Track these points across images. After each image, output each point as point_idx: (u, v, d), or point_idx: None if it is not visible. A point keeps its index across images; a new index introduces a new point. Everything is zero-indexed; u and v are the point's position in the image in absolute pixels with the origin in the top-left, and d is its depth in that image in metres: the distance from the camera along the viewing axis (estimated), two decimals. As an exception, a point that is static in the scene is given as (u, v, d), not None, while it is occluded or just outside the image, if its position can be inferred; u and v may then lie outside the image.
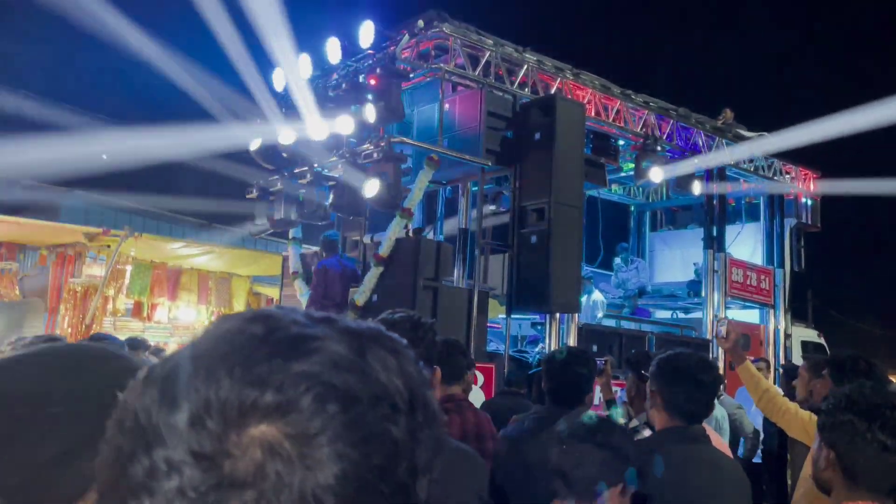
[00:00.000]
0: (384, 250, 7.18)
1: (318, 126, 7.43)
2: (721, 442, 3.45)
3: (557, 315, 7.69)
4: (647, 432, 3.58)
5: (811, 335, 11.52)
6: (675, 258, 11.83)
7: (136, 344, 6.56)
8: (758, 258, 10.92)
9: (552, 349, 7.63)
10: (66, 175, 9.53)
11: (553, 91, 8.10)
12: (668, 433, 2.29)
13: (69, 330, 10.77)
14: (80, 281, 10.99)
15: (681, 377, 2.28)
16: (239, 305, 12.92)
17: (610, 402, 4.05)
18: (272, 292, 12.41)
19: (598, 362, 3.90)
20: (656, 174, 8.91)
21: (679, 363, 2.31)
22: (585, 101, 8.42)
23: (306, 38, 7.77)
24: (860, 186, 10.62)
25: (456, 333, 7.07)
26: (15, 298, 11.57)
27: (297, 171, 8.20)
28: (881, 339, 31.74)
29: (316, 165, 7.90)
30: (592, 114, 8.49)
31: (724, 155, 10.02)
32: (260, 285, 13.03)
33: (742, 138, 10.58)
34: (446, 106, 7.65)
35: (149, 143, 8.88)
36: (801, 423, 3.13)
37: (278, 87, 8.07)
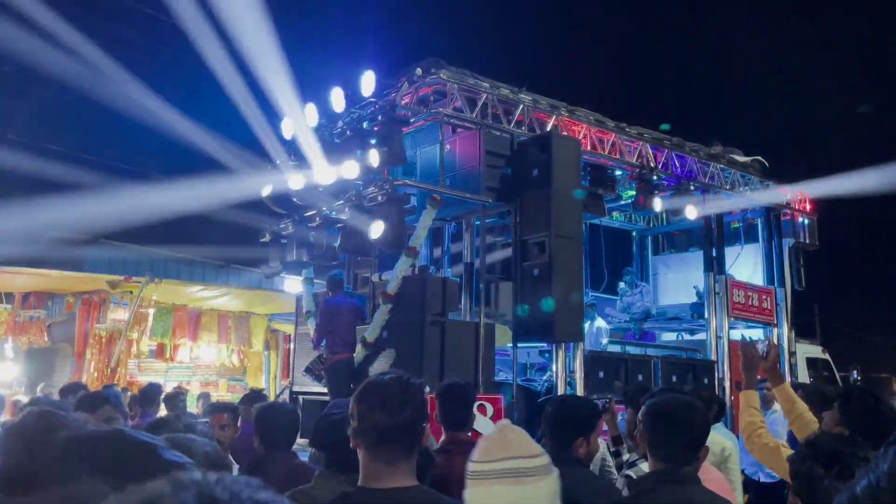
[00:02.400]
0: (392, 288, 7.23)
1: (325, 172, 7.55)
2: (722, 480, 3.41)
3: (563, 343, 7.67)
4: (644, 465, 3.58)
5: (816, 351, 11.40)
6: (678, 281, 11.79)
7: (149, 397, 6.59)
8: (758, 278, 10.86)
9: (557, 378, 7.62)
10: (88, 229, 9.70)
11: (549, 128, 8.18)
12: (655, 476, 2.29)
13: (95, 374, 10.88)
14: (105, 326, 11.13)
15: (663, 421, 2.30)
16: (258, 342, 13.03)
17: (617, 440, 4.03)
18: (289, 329, 12.48)
19: (602, 401, 3.89)
20: (656, 203, 8.95)
21: (661, 408, 2.33)
22: (581, 135, 8.50)
23: (312, 89, 7.93)
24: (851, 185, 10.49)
25: (464, 366, 7.11)
26: (44, 345, 11.72)
27: (306, 214, 8.32)
28: (885, 349, 31.27)
29: (325, 209, 7.99)
30: (588, 147, 8.55)
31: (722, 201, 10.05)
32: (277, 322, 13.12)
33: (735, 163, 10.62)
34: (447, 147, 7.74)
35: (167, 196, 9.04)
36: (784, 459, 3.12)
37: (287, 136, 8.21)
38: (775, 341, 10.32)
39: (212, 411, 4.20)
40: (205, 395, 10.17)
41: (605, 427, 4.12)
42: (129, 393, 8.58)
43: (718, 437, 4.70)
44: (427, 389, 6.22)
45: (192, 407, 9.59)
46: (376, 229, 7.00)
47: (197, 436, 2.86)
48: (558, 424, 2.86)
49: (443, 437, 3.52)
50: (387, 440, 1.90)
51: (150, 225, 10.06)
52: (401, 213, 7.22)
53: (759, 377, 3.49)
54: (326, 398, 7.53)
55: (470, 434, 3.53)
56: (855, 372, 12.32)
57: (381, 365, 7.33)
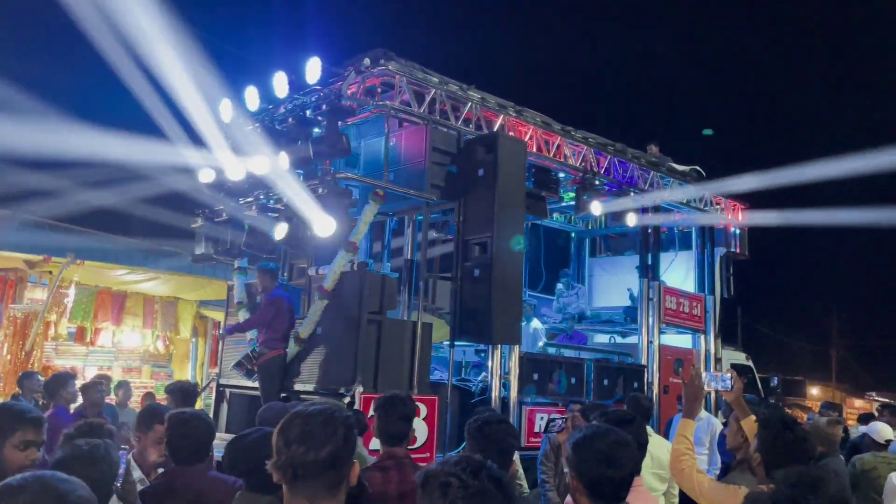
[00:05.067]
0: (329, 283, 7.04)
1: (262, 160, 7.26)
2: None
3: (500, 345, 7.64)
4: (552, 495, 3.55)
5: (740, 358, 11.79)
6: (613, 284, 11.97)
7: (54, 388, 6.18)
8: (690, 285, 11.13)
9: (492, 379, 7.58)
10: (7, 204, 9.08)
11: (496, 128, 8.11)
12: None
13: (8, 357, 10.22)
14: (20, 307, 10.45)
15: (591, 457, 2.22)
16: (185, 329, 12.54)
17: None
18: (219, 316, 12.05)
19: (558, 421, 3.79)
20: (595, 208, 9.00)
21: (593, 445, 2.25)
22: (527, 136, 8.46)
23: (255, 72, 7.62)
24: (784, 218, 10.93)
25: (400, 365, 7.00)
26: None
27: (243, 202, 8.00)
28: (805, 353, 32.91)
29: (262, 197, 7.70)
30: (534, 149, 8.52)
31: (662, 194, 10.21)
32: (207, 309, 12.67)
33: (674, 171, 10.81)
34: (392, 141, 7.57)
35: (94, 176, 8.54)
36: (696, 484, 3.14)
37: (225, 119, 7.85)
38: (707, 348, 10.60)
39: (148, 421, 3.76)
40: (124, 383, 9.69)
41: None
42: (42, 378, 8.06)
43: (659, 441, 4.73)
44: (360, 389, 6.03)
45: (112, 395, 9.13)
46: (322, 226, 6.82)
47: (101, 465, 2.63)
48: (483, 448, 2.80)
49: (381, 452, 3.38)
50: (306, 476, 1.78)
51: (75, 205, 9.53)
52: (343, 207, 7.03)
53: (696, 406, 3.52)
54: (256, 393, 7.30)
55: (407, 449, 3.39)
56: (776, 378, 12.81)
57: (313, 361, 7.14)
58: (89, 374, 10.91)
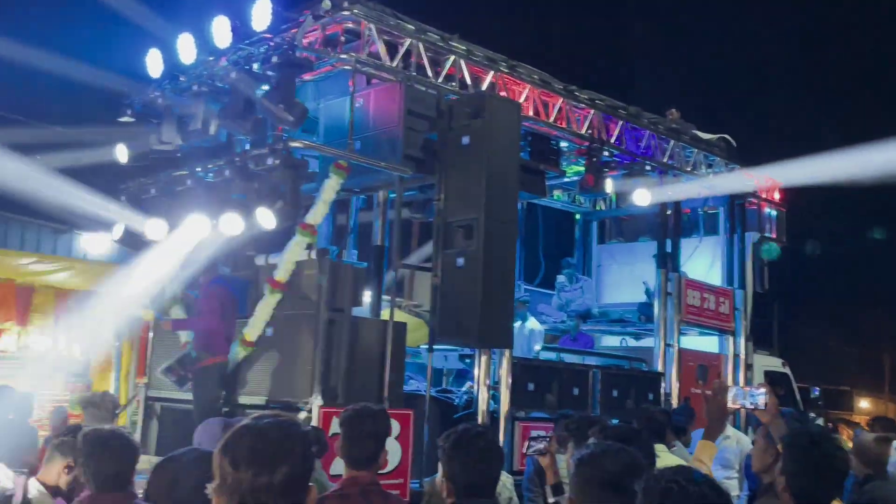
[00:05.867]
0: (281, 274, 7.02)
1: (200, 123, 7.21)
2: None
3: (488, 349, 7.68)
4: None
5: (775, 364, 11.95)
6: (625, 276, 12.07)
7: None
8: (716, 277, 11.24)
9: (479, 390, 7.62)
10: None
11: (485, 87, 8.10)
12: None
13: None
14: None
15: (595, 482, 2.26)
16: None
17: (557, 488, 3.95)
18: (147, 315, 11.96)
19: (539, 442, 3.82)
20: (605, 184, 9.07)
21: (603, 469, 2.28)
22: (522, 98, 8.46)
23: (191, 18, 7.55)
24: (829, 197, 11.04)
25: (368, 374, 7.04)
26: None
27: (175, 174, 7.95)
28: (852, 359, 33.35)
29: (199, 170, 7.67)
30: (530, 113, 8.53)
31: (684, 167, 10.29)
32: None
33: (699, 140, 10.89)
34: (358, 101, 7.54)
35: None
36: None
37: (154, 74, 7.77)
38: (736, 353, 10.72)
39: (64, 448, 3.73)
40: (26, 396, 9.53)
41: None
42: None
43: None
44: (320, 402, 6.06)
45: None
46: (263, 217, 6.85)
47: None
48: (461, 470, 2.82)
49: (344, 476, 3.39)
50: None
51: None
52: (296, 182, 7.01)
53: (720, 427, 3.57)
54: (191, 407, 7.28)
55: (376, 474, 3.41)
56: (817, 389, 13.01)
57: (262, 369, 7.14)
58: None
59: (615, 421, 5.73)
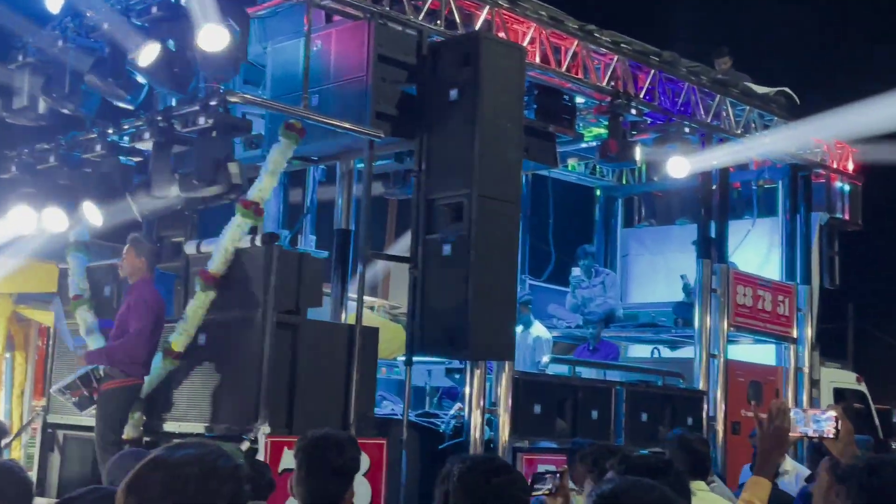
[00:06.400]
0: (217, 266, 7.02)
1: (115, 70, 7.21)
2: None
3: (483, 362, 7.69)
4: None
5: (848, 379, 12.04)
6: (658, 268, 12.10)
7: None
8: (774, 269, 11.30)
9: (471, 413, 7.64)
10: None
11: (478, 26, 8.08)
12: None
13: None
14: None
15: None
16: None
17: None
18: (47, 318, 11.94)
19: (548, 479, 3.82)
20: (633, 151, 9.09)
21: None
22: (527, 40, 8.46)
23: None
24: None
25: (328, 393, 7.10)
26: None
27: (82, 138, 7.92)
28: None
29: (111, 132, 7.65)
30: (537, 60, 8.53)
31: (733, 129, 10.30)
32: (27, 307, 12.54)
33: (752, 95, 10.90)
34: (315, 44, 7.54)
35: None
36: None
37: (53, 9, 7.73)
38: (798, 366, 10.75)
39: None
40: None
41: None
42: None
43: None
44: (266, 430, 6.09)
45: None
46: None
47: None
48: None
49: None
50: None
51: None
52: (229, 147, 7.02)
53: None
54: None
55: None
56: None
57: (193, 388, 7.14)
58: None
59: (643, 452, 5.75)
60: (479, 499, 2.81)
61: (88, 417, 7.42)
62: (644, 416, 8.94)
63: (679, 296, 10.95)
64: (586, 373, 9.68)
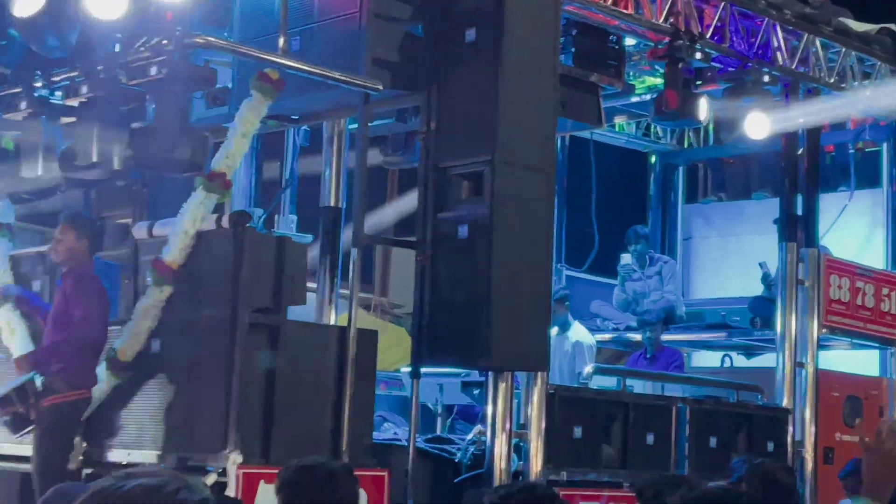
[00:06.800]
0: (174, 254, 7.05)
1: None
2: None
3: (509, 374, 7.72)
4: None
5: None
6: (729, 253, 12.10)
7: None
8: (877, 254, 11.28)
9: (494, 437, 7.65)
10: None
11: (500, -52, 8.08)
12: None
13: None
14: None
15: None
16: None
17: None
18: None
19: None
20: (699, 106, 9.04)
21: None
22: (562, -34, 8.44)
23: None
24: None
25: (314, 414, 7.12)
26: None
27: (4, 94, 7.96)
28: None
29: (39, 85, 7.68)
30: (576, -9, 8.51)
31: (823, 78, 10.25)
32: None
33: (847, 34, 10.81)
34: (296, -27, 7.56)
35: None
36: None
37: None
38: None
39: None
40: None
41: None
42: None
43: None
44: (238, 458, 6.16)
45: None
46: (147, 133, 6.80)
47: None
48: None
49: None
50: None
51: None
52: (184, 103, 7.05)
53: None
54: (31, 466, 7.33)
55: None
56: None
57: (144, 407, 7.17)
58: None
59: (713, 485, 5.76)
60: None
61: (19, 444, 7.47)
62: (713, 441, 8.93)
63: (756, 289, 10.95)
64: (639, 386, 9.66)
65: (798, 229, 10.10)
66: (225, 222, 7.13)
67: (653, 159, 12.76)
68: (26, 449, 7.39)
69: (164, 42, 7.00)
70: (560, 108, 7.96)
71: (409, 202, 9.22)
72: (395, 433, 8.40)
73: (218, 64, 7.70)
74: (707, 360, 11.93)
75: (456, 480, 7.97)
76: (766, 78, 9.77)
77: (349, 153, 8.07)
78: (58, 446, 7.13)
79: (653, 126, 12.14)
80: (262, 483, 6.36)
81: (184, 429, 6.99)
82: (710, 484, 3.74)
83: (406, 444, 7.57)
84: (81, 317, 7.21)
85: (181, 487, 1.94)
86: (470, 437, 8.39)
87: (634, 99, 10.49)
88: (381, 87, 7.42)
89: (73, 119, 7.64)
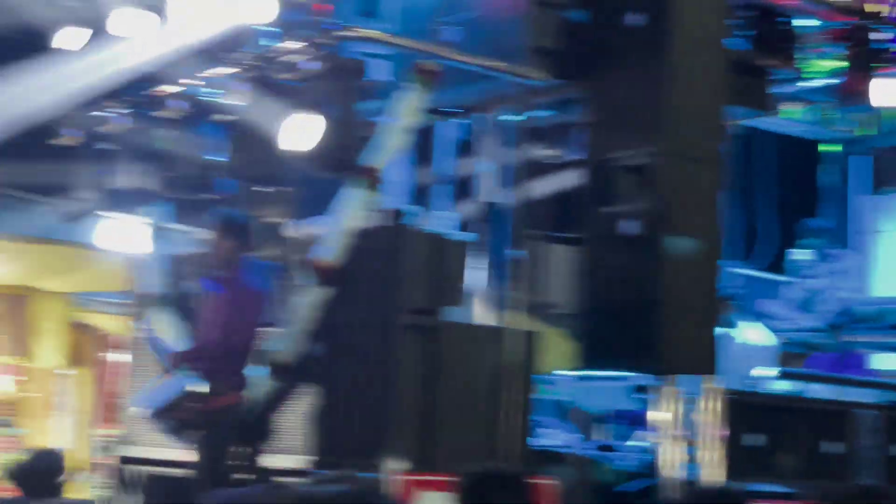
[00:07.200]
0: (332, 254, 7.14)
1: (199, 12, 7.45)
2: None
3: (677, 377, 7.66)
4: None
5: None
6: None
7: None
8: None
9: (665, 445, 7.60)
10: None
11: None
12: None
13: None
14: None
15: None
16: (48, 349, 12.97)
17: None
18: (112, 324, 12.40)
19: None
20: (881, 91, 8.87)
21: None
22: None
23: None
24: None
25: (476, 420, 7.17)
26: None
27: (154, 93, 8.17)
28: None
29: (193, 85, 7.91)
30: (746, -29, 8.43)
31: None
32: (89, 309, 13.06)
33: None
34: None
35: None
36: None
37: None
38: None
39: None
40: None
41: None
42: None
43: None
44: (396, 467, 6.27)
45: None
46: (300, 129, 6.97)
47: None
48: None
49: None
50: None
51: None
52: (349, 97, 7.13)
53: None
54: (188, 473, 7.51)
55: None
56: None
57: (301, 411, 7.31)
58: None
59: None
60: None
61: (173, 448, 7.67)
62: (900, 448, 8.74)
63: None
64: (816, 391, 9.50)
65: None
66: (381, 220, 7.21)
67: (829, 149, 12.51)
68: (179, 454, 7.59)
69: (321, 36, 7.11)
70: (729, 96, 7.87)
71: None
72: (555, 439, 8.39)
73: (374, 56, 7.78)
74: (885, 363, 11.65)
75: (620, 490, 7.94)
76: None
77: (508, 149, 8.07)
78: (216, 450, 7.29)
79: (828, 113, 11.92)
80: (423, 492, 6.41)
81: (341, 434, 7.08)
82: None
83: (570, 451, 7.57)
84: (232, 319, 7.38)
85: (374, 491, 1.99)
86: (637, 443, 8.36)
87: (806, 84, 10.29)
88: (544, 77, 7.45)
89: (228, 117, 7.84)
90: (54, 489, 5.87)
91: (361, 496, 1.99)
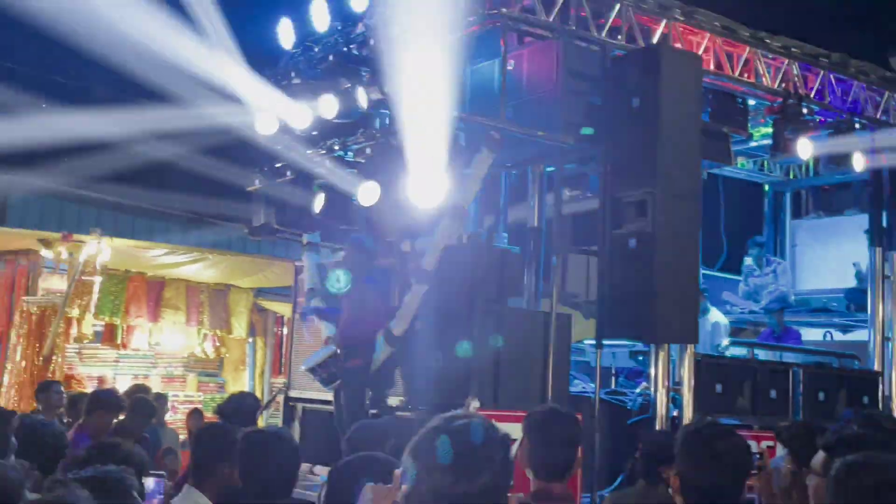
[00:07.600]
0: (430, 261, 7.13)
1: (298, 111, 7.60)
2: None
3: (667, 345, 7.59)
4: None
5: None
6: (829, 256, 11.56)
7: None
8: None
9: (656, 391, 7.53)
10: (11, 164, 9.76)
11: (656, 39, 7.95)
12: None
13: (23, 363, 11.07)
14: (35, 300, 11.28)
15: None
16: (240, 326, 13.16)
17: None
18: (283, 308, 12.56)
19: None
20: (802, 148, 8.69)
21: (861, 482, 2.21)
22: (702, 49, 8.26)
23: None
24: None
25: (528, 373, 7.17)
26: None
27: (312, 153, 8.25)
28: None
29: (337, 148, 7.93)
30: (711, 66, 8.32)
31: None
32: (267, 300, 13.23)
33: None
34: (509, 64, 7.56)
35: (118, 125, 9.06)
36: None
37: (286, 45, 8.12)
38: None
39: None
40: (161, 397, 10.17)
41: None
42: (64, 390, 8.68)
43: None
44: (476, 404, 6.19)
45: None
46: (368, 192, 7.24)
47: None
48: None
49: (532, 488, 3.45)
50: None
51: (97, 164, 10.09)
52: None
53: None
54: (332, 409, 7.56)
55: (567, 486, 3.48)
56: None
57: (410, 367, 7.33)
58: (121, 384, 11.59)
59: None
60: (702, 461, 2.78)
61: (324, 393, 7.74)
62: (821, 395, 8.57)
63: (850, 283, 10.50)
64: (761, 355, 9.37)
65: (884, 237, 9.69)
66: (464, 239, 7.25)
67: (766, 187, 12.32)
68: (330, 396, 7.66)
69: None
70: (701, 153, 7.79)
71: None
72: (583, 388, 8.34)
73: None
74: (811, 335, 11.44)
75: (629, 422, 7.88)
76: (857, 126, 9.36)
77: (546, 191, 8.06)
78: (354, 395, 7.34)
79: (766, 163, 11.75)
80: (523, 421, 6.41)
81: (437, 383, 7.08)
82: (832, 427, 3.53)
83: (592, 395, 7.54)
84: (364, 309, 7.41)
85: (492, 426, 2.00)
86: (638, 391, 8.29)
87: (752, 144, 10.14)
88: (572, 141, 7.42)
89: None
90: (251, 420, 5.95)
91: (483, 427, 1.99)
